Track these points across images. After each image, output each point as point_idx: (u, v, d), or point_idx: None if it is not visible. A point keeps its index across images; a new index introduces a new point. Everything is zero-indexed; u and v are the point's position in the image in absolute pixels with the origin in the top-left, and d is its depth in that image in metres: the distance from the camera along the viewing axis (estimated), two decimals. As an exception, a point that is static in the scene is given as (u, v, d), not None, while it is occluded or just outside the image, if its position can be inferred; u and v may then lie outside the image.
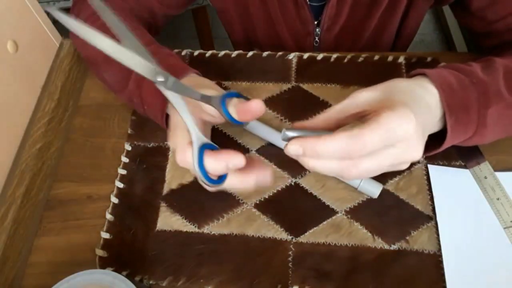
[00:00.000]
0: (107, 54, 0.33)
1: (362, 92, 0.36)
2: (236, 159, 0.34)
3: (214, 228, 0.47)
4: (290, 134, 0.34)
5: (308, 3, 0.61)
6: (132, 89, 0.47)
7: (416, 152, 0.34)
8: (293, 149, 0.33)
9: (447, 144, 0.40)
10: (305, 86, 0.57)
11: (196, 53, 0.61)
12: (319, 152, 0.32)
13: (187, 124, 0.36)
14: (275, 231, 0.47)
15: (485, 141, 0.43)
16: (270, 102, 0.55)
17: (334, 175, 0.36)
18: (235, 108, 0.37)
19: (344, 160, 0.33)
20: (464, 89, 0.40)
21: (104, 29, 0.51)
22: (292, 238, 0.46)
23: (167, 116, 0.44)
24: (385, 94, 0.36)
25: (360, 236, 0.46)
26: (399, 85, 0.38)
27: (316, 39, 0.66)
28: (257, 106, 0.36)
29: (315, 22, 0.64)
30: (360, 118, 0.36)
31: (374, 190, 0.47)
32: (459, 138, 0.41)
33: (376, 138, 0.31)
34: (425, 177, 0.49)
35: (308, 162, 0.34)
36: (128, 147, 0.54)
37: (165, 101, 0.43)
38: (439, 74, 0.40)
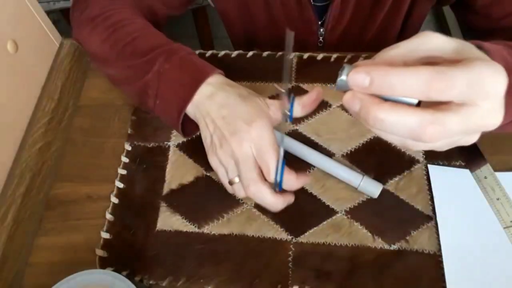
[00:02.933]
0: None
1: (434, 34, 0.29)
2: (307, 179, 0.43)
3: (214, 228, 0.47)
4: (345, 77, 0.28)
5: (312, 3, 0.61)
6: (150, 80, 0.46)
7: (496, 119, 0.28)
8: (357, 78, 0.26)
9: (506, 120, 0.33)
10: (305, 86, 0.56)
11: (196, 53, 0.61)
12: (391, 84, 0.25)
13: (278, 137, 0.42)
14: (275, 231, 0.47)
15: None
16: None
17: (406, 135, 0.27)
18: (300, 103, 0.42)
19: (423, 112, 0.26)
20: None
21: (117, 27, 0.50)
22: (292, 238, 0.46)
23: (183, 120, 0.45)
24: (462, 45, 0.29)
25: (360, 236, 0.46)
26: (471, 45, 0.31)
27: (320, 39, 0.66)
28: (319, 93, 0.42)
29: (319, 22, 0.64)
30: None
31: (374, 190, 0.47)
32: None
33: (464, 81, 0.25)
34: (425, 177, 0.49)
35: (376, 112, 0.26)
36: (128, 147, 0.54)
37: (184, 101, 0.43)
38: (498, 51, 0.36)
